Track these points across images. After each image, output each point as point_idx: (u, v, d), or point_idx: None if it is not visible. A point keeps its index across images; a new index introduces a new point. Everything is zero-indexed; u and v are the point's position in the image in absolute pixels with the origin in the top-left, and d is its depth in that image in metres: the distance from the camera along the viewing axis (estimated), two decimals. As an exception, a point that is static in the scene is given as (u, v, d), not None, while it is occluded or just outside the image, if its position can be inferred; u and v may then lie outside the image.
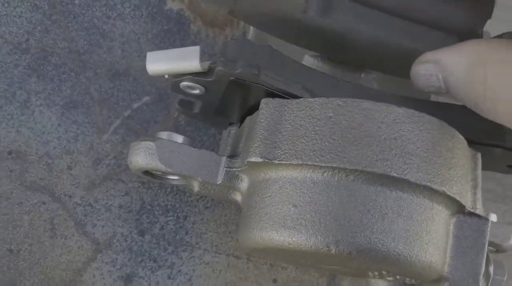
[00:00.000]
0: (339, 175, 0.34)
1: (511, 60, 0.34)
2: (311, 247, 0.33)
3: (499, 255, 0.42)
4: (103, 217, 0.47)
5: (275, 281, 0.49)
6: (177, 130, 0.49)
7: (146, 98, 0.50)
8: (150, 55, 0.38)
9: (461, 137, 0.36)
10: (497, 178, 0.54)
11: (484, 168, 0.38)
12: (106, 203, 0.47)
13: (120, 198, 0.47)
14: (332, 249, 0.33)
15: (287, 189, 0.35)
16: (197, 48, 0.36)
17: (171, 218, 0.48)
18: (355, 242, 0.33)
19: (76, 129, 0.48)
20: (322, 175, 0.34)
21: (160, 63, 0.37)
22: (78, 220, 0.46)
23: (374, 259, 0.33)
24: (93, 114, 0.48)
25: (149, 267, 0.47)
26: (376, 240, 0.33)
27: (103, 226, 0.47)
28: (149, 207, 0.48)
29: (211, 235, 0.48)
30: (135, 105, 0.49)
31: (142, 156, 0.37)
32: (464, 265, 0.36)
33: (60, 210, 0.46)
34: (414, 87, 0.38)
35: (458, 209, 0.36)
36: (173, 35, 0.51)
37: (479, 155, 0.38)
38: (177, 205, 0.48)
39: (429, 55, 0.37)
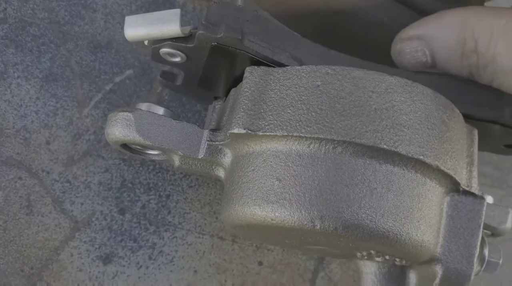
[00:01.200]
0: (326, 147, 0.32)
1: (498, 26, 0.33)
2: (295, 222, 0.32)
3: (495, 240, 0.40)
4: (82, 194, 0.45)
5: (260, 263, 0.47)
6: (160, 105, 0.47)
7: (128, 72, 0.48)
8: (128, 19, 0.36)
9: (457, 110, 0.34)
10: (494, 161, 0.52)
11: (480, 148, 0.37)
12: (85, 180, 0.45)
13: (100, 175, 0.45)
14: (317, 225, 0.31)
15: (271, 162, 0.33)
16: (177, 11, 0.34)
17: (153, 196, 0.46)
18: (341, 217, 0.31)
19: (55, 103, 0.46)
20: (308, 147, 0.32)
21: (138, 27, 0.35)
22: (55, 197, 0.45)
23: (362, 236, 0.31)
24: (73, 87, 0.46)
25: (129, 247, 0.45)
26: (364, 215, 0.31)
27: (81, 204, 0.45)
28: (130, 185, 0.46)
29: (195, 215, 0.46)
30: (117, 79, 0.47)
31: (119, 127, 0.35)
32: (457, 246, 0.34)
33: (37, 186, 0.45)
34: (398, 66, 0.37)
35: (452, 186, 0.34)
36: (158, 7, 0.49)
37: (475, 131, 0.36)
38: (160, 183, 0.46)
39: (411, 31, 0.36)
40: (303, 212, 0.31)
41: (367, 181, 0.31)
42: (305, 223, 0.31)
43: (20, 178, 0.44)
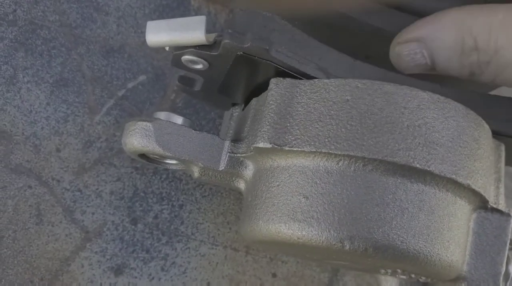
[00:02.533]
0: (356, 165, 0.31)
1: (496, 20, 0.33)
2: (323, 242, 0.31)
3: None
4: (93, 204, 0.44)
5: (274, 275, 0.46)
6: (174, 112, 0.46)
7: (142, 78, 0.46)
8: (150, 25, 0.34)
9: (486, 126, 0.34)
10: (510, 172, 0.52)
11: (505, 162, 0.36)
12: (97, 189, 0.44)
13: (112, 184, 0.44)
14: (346, 245, 0.30)
15: (298, 178, 0.32)
16: (202, 18, 0.33)
17: (165, 206, 0.45)
18: (372, 238, 0.30)
19: (66, 109, 0.45)
20: (337, 164, 0.31)
21: (161, 33, 0.34)
22: (66, 206, 0.43)
23: (392, 257, 0.30)
24: (84, 93, 0.45)
25: (141, 258, 0.44)
26: (395, 236, 0.30)
27: (93, 213, 0.44)
28: (143, 194, 0.45)
29: (208, 226, 0.45)
30: (130, 84, 0.46)
31: (138, 137, 0.34)
32: (484, 264, 0.33)
33: (47, 195, 0.43)
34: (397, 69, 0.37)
35: (481, 204, 0.33)
36: (172, 10, 0.47)
37: (503, 147, 0.35)
38: (173, 193, 0.45)
39: (408, 34, 0.36)
40: (332, 232, 0.30)
41: (398, 200, 0.30)
42: (333, 243, 0.30)
43: (30, 187, 0.43)
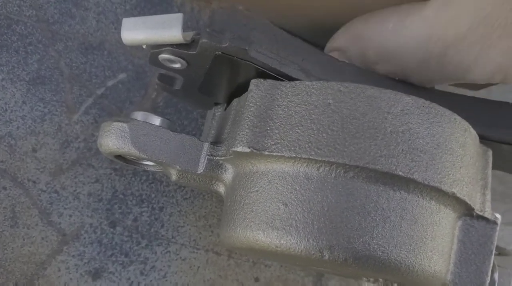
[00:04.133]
0: (337, 171, 0.30)
1: (387, 31, 0.35)
2: (301, 251, 0.30)
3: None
4: (71, 206, 0.42)
5: (257, 279, 0.45)
6: (154, 112, 0.44)
7: (121, 76, 0.45)
8: (126, 22, 0.33)
9: (473, 131, 0.32)
10: (498, 175, 0.51)
11: (492, 166, 0.35)
12: (74, 190, 0.43)
13: (90, 185, 0.43)
14: (325, 255, 0.29)
15: (277, 184, 0.31)
16: (179, 16, 0.32)
17: (145, 208, 0.44)
18: (352, 248, 0.29)
19: (43, 108, 0.43)
20: (318, 170, 0.30)
21: (137, 31, 0.32)
22: (42, 208, 0.42)
23: (373, 267, 0.29)
24: (62, 91, 0.44)
25: (120, 262, 0.43)
26: (376, 246, 0.29)
27: (70, 216, 0.42)
28: (122, 196, 0.43)
29: (189, 229, 0.44)
30: (110, 83, 0.45)
31: (113, 139, 0.33)
32: (468, 273, 0.32)
33: (22, 196, 0.42)
34: None
35: (466, 211, 0.32)
36: (154, 6, 0.46)
37: (490, 152, 0.34)
38: (153, 195, 0.44)
39: (329, 44, 0.37)
40: (311, 241, 0.29)
41: (380, 209, 0.29)
42: (312, 252, 0.29)
43: (5, 188, 0.42)
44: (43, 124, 0.43)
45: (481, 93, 0.40)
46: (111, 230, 0.43)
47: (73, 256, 0.42)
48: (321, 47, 0.38)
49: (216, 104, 0.39)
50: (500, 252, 0.38)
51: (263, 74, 0.33)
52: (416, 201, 0.30)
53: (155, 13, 0.46)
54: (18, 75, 0.43)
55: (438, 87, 0.38)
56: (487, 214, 0.33)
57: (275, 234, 0.30)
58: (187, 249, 0.44)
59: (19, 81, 0.43)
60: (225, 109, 0.38)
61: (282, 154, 0.30)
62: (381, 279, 0.34)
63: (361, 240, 0.29)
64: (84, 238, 0.42)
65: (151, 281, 0.43)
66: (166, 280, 0.43)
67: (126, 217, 0.43)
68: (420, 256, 0.30)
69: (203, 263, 0.44)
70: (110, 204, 0.43)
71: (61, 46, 0.44)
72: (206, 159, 0.34)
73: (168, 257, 0.44)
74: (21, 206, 0.42)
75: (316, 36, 0.38)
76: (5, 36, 0.43)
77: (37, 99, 0.43)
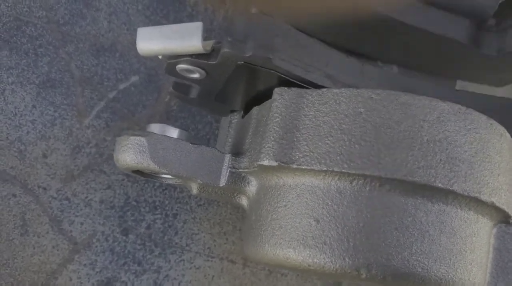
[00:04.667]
0: (372, 184, 0.28)
1: None
2: (336, 270, 0.28)
3: None
4: (82, 213, 0.41)
5: (273, 288, 0.44)
6: (168, 116, 0.43)
7: (134, 78, 0.44)
8: (141, 32, 0.31)
9: (508, 136, 0.31)
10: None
11: None
12: (86, 197, 0.41)
13: (102, 192, 0.42)
14: (362, 274, 0.28)
15: (307, 198, 0.29)
16: (199, 25, 0.30)
17: (158, 216, 0.42)
18: (391, 266, 0.28)
19: (53, 112, 0.42)
20: (351, 183, 0.29)
21: (153, 41, 0.31)
22: (53, 215, 0.41)
23: (412, 284, 0.28)
24: (73, 95, 0.42)
25: (133, 271, 0.42)
26: (415, 262, 0.28)
27: (81, 223, 0.41)
28: (135, 203, 0.42)
29: (204, 236, 0.43)
30: (122, 86, 0.43)
31: (131, 154, 0.31)
32: (506, 283, 0.31)
33: (33, 204, 0.41)
34: None
35: (502, 219, 0.31)
36: (167, 7, 0.45)
37: None
38: (166, 202, 0.43)
39: None
40: (347, 260, 0.28)
41: (418, 223, 0.28)
42: (349, 271, 0.28)
43: (14, 195, 0.41)
44: (54, 129, 0.42)
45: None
46: (124, 238, 0.42)
47: (84, 265, 0.41)
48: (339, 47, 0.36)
49: (232, 111, 0.38)
50: None
51: (286, 81, 0.31)
52: (455, 212, 0.29)
53: (167, 14, 0.45)
54: (28, 78, 0.42)
55: (459, 87, 0.37)
56: None
57: (308, 252, 0.29)
58: (201, 257, 0.43)
59: (29, 84, 0.42)
60: (243, 116, 0.36)
61: (312, 167, 0.29)
62: None
63: (399, 256, 0.28)
64: (96, 247, 0.41)
65: (164, 290, 0.42)
66: (180, 290, 0.42)
67: (139, 224, 0.42)
68: (460, 270, 0.29)
69: (218, 272, 0.43)
70: (123, 211, 0.42)
71: (72, 48, 0.43)
72: (228, 171, 0.32)
73: (182, 266, 0.42)
74: (32, 214, 0.41)
75: (334, 35, 0.37)
76: (14, 38, 0.42)
77: (48, 103, 0.42)
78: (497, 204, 0.29)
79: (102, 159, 0.42)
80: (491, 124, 0.30)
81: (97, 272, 0.41)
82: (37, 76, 0.42)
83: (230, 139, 0.36)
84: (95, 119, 0.42)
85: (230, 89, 0.35)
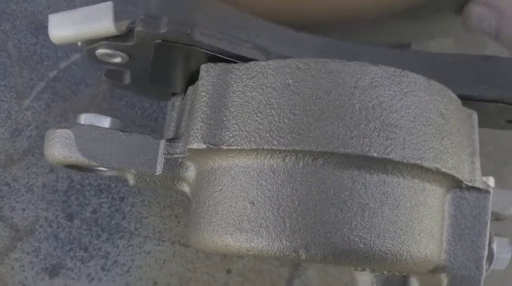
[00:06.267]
0: (305, 160, 0.27)
1: None
2: (275, 253, 0.27)
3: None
4: (24, 199, 0.40)
5: (229, 271, 0.42)
6: (112, 95, 0.41)
7: (75, 56, 0.42)
8: (52, 19, 0.30)
9: (454, 96, 0.30)
10: (490, 153, 0.48)
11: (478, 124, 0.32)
12: (27, 182, 0.40)
13: (44, 176, 0.40)
14: (301, 255, 0.26)
15: (241, 180, 0.28)
16: (109, 5, 0.28)
17: (105, 199, 0.41)
18: (330, 244, 0.26)
19: (-10, 94, 0.40)
20: (283, 161, 0.27)
21: (66, 28, 0.29)
22: (-8, 202, 0.39)
23: (356, 261, 0.27)
24: (11, 75, 0.41)
25: (79, 257, 0.40)
26: (356, 238, 0.26)
27: (23, 209, 0.39)
28: (79, 187, 0.40)
29: (154, 220, 0.41)
30: (62, 64, 0.41)
31: (58, 148, 0.30)
32: (464, 250, 0.30)
33: (-30, 190, 0.39)
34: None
35: (454, 184, 0.30)
36: (109, -19, 0.42)
37: (475, 115, 0.31)
38: (112, 185, 0.41)
39: None
40: (284, 241, 0.27)
41: (357, 196, 0.27)
42: (287, 253, 0.27)
43: (-50, 182, 0.39)
44: (-9, 112, 0.40)
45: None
46: (68, 223, 0.40)
47: (27, 252, 0.39)
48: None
49: (174, 94, 0.36)
50: (497, 217, 0.36)
51: (216, 58, 0.29)
52: (397, 182, 0.27)
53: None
54: (-38, 59, 0.40)
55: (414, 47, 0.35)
56: (478, 183, 0.31)
57: (244, 237, 0.27)
58: (151, 242, 0.41)
59: (-37, 65, 0.40)
60: (184, 98, 0.34)
61: (242, 147, 0.27)
62: (368, 270, 0.31)
63: (339, 233, 0.26)
64: (39, 233, 0.39)
65: (113, 276, 0.40)
66: (130, 275, 0.40)
67: (84, 209, 0.40)
68: (407, 242, 0.27)
69: (170, 256, 0.41)
70: (67, 195, 0.40)
71: (8, 26, 0.41)
72: (163, 158, 0.30)
73: (131, 251, 0.41)
74: (-31, 201, 0.39)
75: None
76: None
77: (-16, 85, 0.40)
78: (443, 169, 0.27)
79: (43, 142, 0.40)
80: (430, 85, 0.28)
81: (41, 259, 0.39)
82: (-29, 57, 0.40)
83: (173, 124, 0.34)
84: (35, 100, 0.41)
85: (163, 70, 0.33)
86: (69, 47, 0.41)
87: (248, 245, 0.27)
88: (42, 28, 0.41)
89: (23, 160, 0.40)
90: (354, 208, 0.26)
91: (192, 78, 0.32)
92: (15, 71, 0.40)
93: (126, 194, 0.41)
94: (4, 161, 0.40)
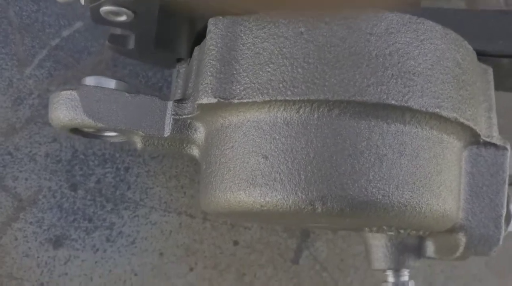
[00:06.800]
0: (320, 110, 0.26)
1: None
2: (290, 207, 0.26)
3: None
4: (26, 168, 0.39)
5: (236, 243, 0.41)
6: (115, 63, 0.40)
7: (78, 24, 0.41)
8: None
9: (470, 47, 0.29)
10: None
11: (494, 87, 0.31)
12: (30, 151, 0.39)
13: (47, 145, 0.39)
14: (317, 207, 0.26)
15: (253, 135, 0.27)
16: None
17: (109, 169, 0.40)
18: (347, 196, 0.25)
19: (-9, 62, 0.39)
20: (298, 112, 0.26)
21: None
22: (-5, 172, 0.38)
23: (374, 214, 0.26)
24: (12, 43, 0.40)
25: (83, 228, 0.39)
26: (374, 190, 0.26)
27: (26, 179, 0.39)
28: (83, 156, 0.40)
29: (159, 190, 0.40)
30: (65, 32, 0.41)
31: (63, 110, 0.29)
32: (482, 208, 0.29)
33: (-28, 159, 0.38)
34: None
35: (472, 139, 0.29)
36: None
37: (490, 70, 0.31)
38: (117, 154, 0.40)
39: None
40: (300, 194, 0.26)
41: (374, 146, 0.26)
42: (303, 206, 0.26)
43: (-49, 151, 0.38)
44: (-8, 80, 0.39)
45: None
46: (72, 193, 0.39)
47: (30, 223, 0.38)
48: None
49: (179, 60, 0.35)
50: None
51: (224, 12, 0.29)
52: (415, 132, 0.27)
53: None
54: (-38, 26, 0.39)
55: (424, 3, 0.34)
56: (496, 139, 0.30)
57: (258, 191, 0.26)
58: (157, 212, 0.40)
59: (-37, 33, 0.39)
60: (189, 63, 0.34)
61: (254, 99, 0.26)
62: (385, 227, 0.30)
63: (356, 185, 0.26)
64: (43, 203, 0.39)
65: (118, 248, 0.39)
66: (135, 247, 0.40)
67: (88, 179, 0.39)
68: (427, 194, 0.27)
69: (176, 227, 0.40)
70: (70, 165, 0.39)
71: (9, -7, 0.40)
72: (171, 119, 0.30)
73: (136, 222, 0.40)
74: (-29, 170, 0.38)
75: None
76: None
77: (-15, 53, 0.39)
78: (461, 119, 0.27)
79: (45, 111, 0.39)
80: (446, 33, 0.27)
81: (44, 230, 0.39)
82: (-29, 24, 0.39)
83: (179, 91, 0.33)
84: (37, 68, 0.40)
85: (168, 32, 0.32)
86: (72, 15, 0.41)
87: (262, 200, 0.26)
88: (43, -5, 0.40)
89: (26, 129, 0.39)
90: (372, 159, 0.26)
91: (197, 40, 0.31)
92: (16, 39, 0.40)
93: (130, 164, 0.40)
94: (6, 129, 0.39)
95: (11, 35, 0.40)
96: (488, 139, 0.29)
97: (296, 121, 0.26)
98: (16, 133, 0.39)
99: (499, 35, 0.31)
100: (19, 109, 0.39)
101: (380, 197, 0.26)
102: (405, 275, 0.34)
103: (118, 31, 0.34)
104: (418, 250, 0.33)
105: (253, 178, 0.27)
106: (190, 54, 0.34)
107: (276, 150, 0.26)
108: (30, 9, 0.40)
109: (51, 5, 0.41)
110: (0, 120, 0.39)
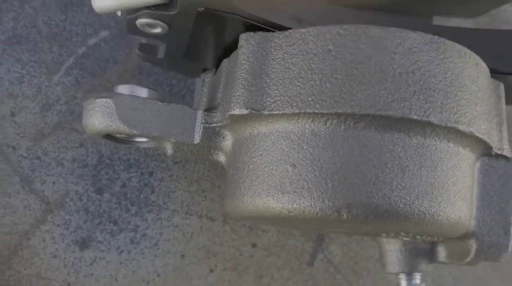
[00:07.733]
0: (346, 123, 0.28)
1: None
2: (317, 213, 0.28)
3: None
4: (54, 172, 0.40)
5: (254, 245, 0.43)
6: (140, 71, 0.42)
7: (104, 33, 0.42)
8: None
9: (484, 65, 0.30)
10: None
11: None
12: (57, 156, 0.40)
13: (74, 150, 0.40)
14: (343, 214, 0.27)
15: (282, 145, 0.28)
16: None
17: (134, 174, 0.41)
18: (372, 204, 0.27)
19: (20, 69, 0.40)
20: (325, 124, 0.28)
21: None
22: (24, 175, 0.40)
23: (396, 221, 0.28)
24: (41, 51, 0.41)
25: (109, 230, 0.40)
26: (396, 199, 0.27)
27: (53, 183, 0.40)
28: (108, 161, 0.41)
29: (181, 194, 0.42)
30: (91, 41, 0.42)
31: (99, 117, 0.30)
32: (492, 216, 0.31)
33: (2, 163, 0.39)
34: None
35: (484, 151, 0.31)
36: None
37: (502, 86, 0.32)
38: (141, 159, 0.41)
39: None
40: (327, 202, 0.27)
41: (397, 158, 0.27)
42: (329, 213, 0.27)
43: (-18, 155, 0.39)
44: (22, 87, 0.40)
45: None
46: (98, 197, 0.41)
47: (58, 225, 0.40)
48: None
49: (205, 70, 0.37)
50: None
51: (253, 28, 0.30)
52: (434, 145, 0.28)
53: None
54: (-7, 34, 0.40)
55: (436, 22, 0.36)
56: (506, 151, 0.32)
57: (286, 198, 0.28)
58: (179, 216, 0.42)
59: (-6, 41, 0.40)
60: (215, 73, 0.35)
61: (284, 111, 0.28)
62: (403, 233, 0.32)
63: (380, 194, 0.27)
64: (69, 206, 0.40)
65: (142, 249, 0.41)
66: (158, 248, 0.41)
67: (113, 183, 0.41)
68: (444, 203, 0.28)
69: (197, 230, 0.42)
70: (96, 169, 0.41)
71: (38, 2, 0.41)
72: (201, 127, 0.31)
73: (159, 224, 0.41)
74: (1, 174, 0.39)
75: None
76: (-24, -8, 0.40)
77: (14, 60, 0.40)
78: (477, 134, 0.28)
79: (73, 117, 0.41)
80: (465, 53, 0.29)
81: (71, 232, 0.40)
82: (2, 33, 0.41)
83: (204, 99, 0.35)
84: (65, 76, 0.41)
85: (197, 44, 0.34)
86: (98, 25, 0.42)
87: (290, 206, 0.28)
88: (70, 4, 0.42)
89: (53, 134, 0.40)
90: (395, 170, 0.27)
91: (225, 52, 0.33)
92: (45, 47, 0.41)
93: (154, 168, 0.42)
94: (35, 135, 0.40)
95: (40, 44, 0.41)
96: (499, 152, 0.31)
97: (323, 133, 0.28)
98: (44, 139, 0.40)
99: (508, 54, 0.33)
100: (47, 115, 0.40)
101: (402, 205, 0.27)
102: (417, 278, 0.36)
103: (148, 40, 0.35)
104: (430, 255, 0.35)
105: (281, 185, 0.28)
106: (216, 64, 0.35)
107: (304, 159, 0.28)
108: (58, 19, 0.42)
109: (77, 15, 0.42)
110: (29, 126, 0.40)
